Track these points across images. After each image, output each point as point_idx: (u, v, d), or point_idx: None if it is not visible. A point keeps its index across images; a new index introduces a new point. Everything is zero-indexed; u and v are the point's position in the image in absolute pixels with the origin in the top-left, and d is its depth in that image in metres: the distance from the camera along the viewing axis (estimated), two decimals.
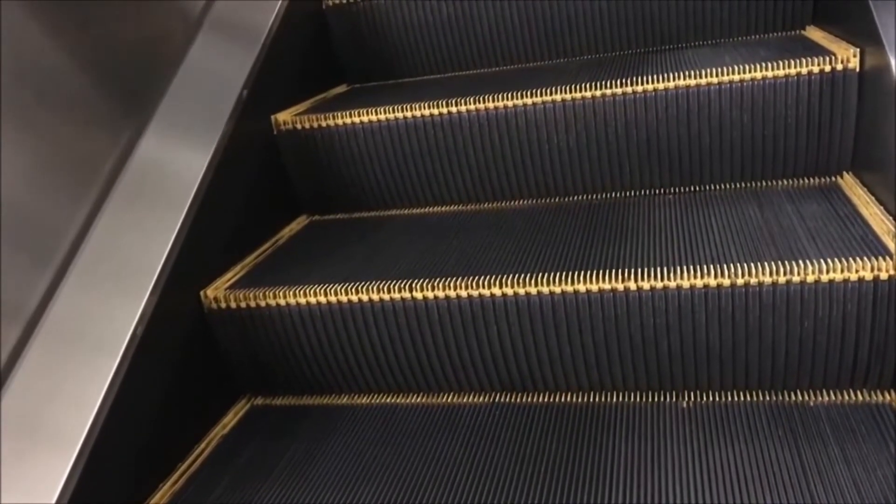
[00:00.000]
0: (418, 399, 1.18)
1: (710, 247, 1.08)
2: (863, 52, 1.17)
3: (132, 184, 1.13)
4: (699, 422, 1.02)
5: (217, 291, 1.18)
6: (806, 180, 1.28)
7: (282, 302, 1.15)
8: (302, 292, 1.13)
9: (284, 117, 1.46)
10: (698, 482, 0.90)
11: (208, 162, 1.22)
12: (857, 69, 1.18)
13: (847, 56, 1.18)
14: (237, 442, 1.15)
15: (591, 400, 1.11)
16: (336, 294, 1.12)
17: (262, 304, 1.16)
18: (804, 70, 1.20)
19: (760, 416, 1.01)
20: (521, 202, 1.42)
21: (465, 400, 1.16)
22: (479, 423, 1.09)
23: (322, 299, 1.13)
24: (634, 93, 1.28)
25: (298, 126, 1.45)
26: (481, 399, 1.15)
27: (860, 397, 1.01)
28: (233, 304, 1.17)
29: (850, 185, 1.21)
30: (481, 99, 1.34)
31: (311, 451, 1.09)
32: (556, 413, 1.09)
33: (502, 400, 1.14)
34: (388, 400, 1.19)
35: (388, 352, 1.14)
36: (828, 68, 1.19)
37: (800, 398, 1.03)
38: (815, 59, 1.20)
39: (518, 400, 1.14)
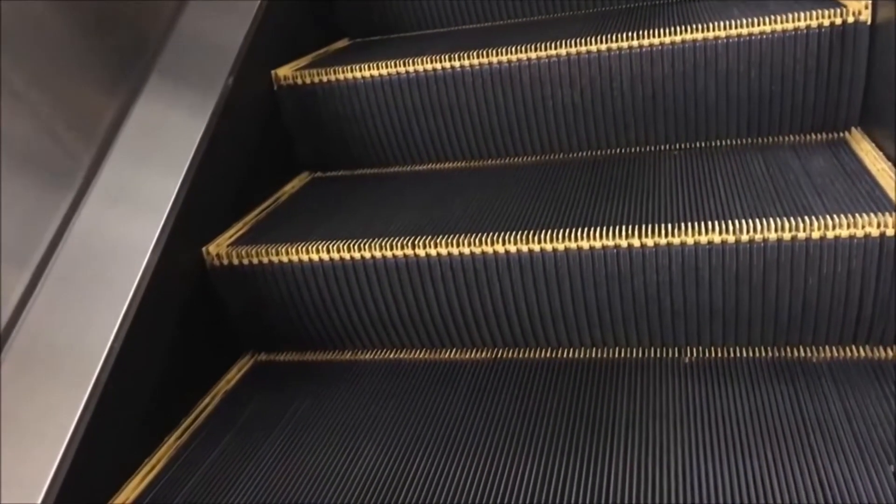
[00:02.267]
0: (421, 355, 1.19)
1: (715, 203, 1.07)
2: (874, 3, 1.14)
3: (132, 139, 1.12)
4: (701, 377, 1.03)
5: (219, 248, 1.18)
6: (813, 136, 1.26)
7: (284, 259, 1.14)
8: (304, 249, 1.13)
9: (285, 72, 1.44)
10: (700, 435, 0.90)
11: (209, 118, 1.21)
12: (869, 21, 1.16)
13: (858, 8, 1.16)
14: (241, 397, 1.16)
15: (594, 356, 1.11)
16: (339, 251, 1.11)
17: (265, 260, 1.15)
18: (814, 23, 1.18)
19: (762, 370, 1.02)
20: (524, 159, 1.41)
21: (467, 356, 1.16)
22: (481, 378, 1.10)
23: (325, 256, 1.12)
24: (640, 47, 1.26)
25: (299, 81, 1.43)
26: (484, 355, 1.16)
27: (862, 353, 1.01)
28: (235, 261, 1.17)
29: (858, 140, 1.20)
30: (485, 53, 1.32)
31: (315, 406, 1.09)
32: (558, 369, 1.09)
33: (505, 356, 1.14)
34: (390, 356, 1.20)
35: (391, 308, 1.14)
36: (838, 21, 1.17)
37: (802, 354, 1.03)
38: (826, 12, 1.17)
39: (520, 356, 1.14)
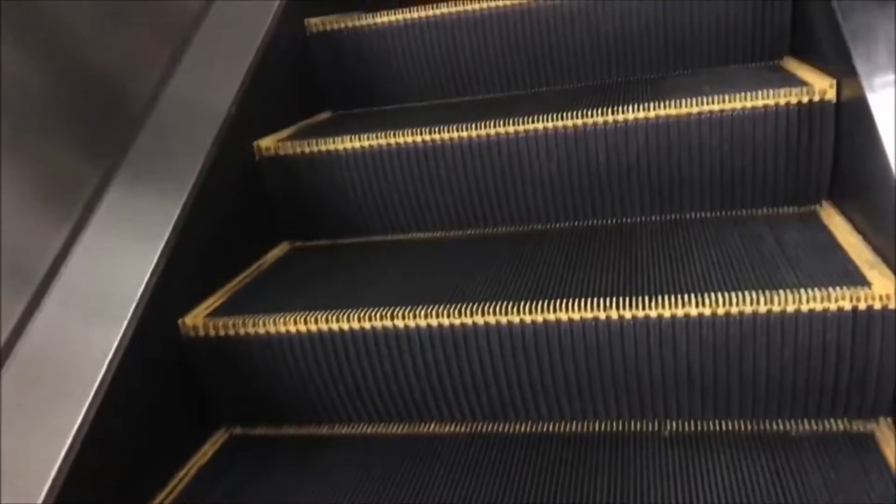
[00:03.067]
0: (399, 429, 1.17)
1: (692, 275, 1.08)
2: (839, 84, 1.19)
3: (112, 211, 1.12)
4: (681, 450, 1.02)
5: (196, 319, 1.17)
6: (785, 209, 1.29)
7: (261, 330, 1.14)
8: (282, 320, 1.12)
9: (267, 143, 1.46)
10: None
11: (190, 187, 1.21)
12: (834, 100, 1.20)
13: (824, 87, 1.20)
14: (215, 472, 1.13)
15: (573, 429, 1.10)
16: (317, 322, 1.11)
17: (242, 332, 1.14)
18: (782, 101, 1.22)
19: (743, 444, 1.01)
20: (503, 229, 1.42)
21: (446, 429, 1.15)
22: (460, 454, 1.08)
23: (303, 327, 1.12)
24: (616, 122, 1.29)
25: (281, 152, 1.45)
26: (463, 429, 1.14)
27: (841, 426, 1.01)
28: (211, 332, 1.16)
29: (828, 213, 1.23)
30: (464, 127, 1.35)
31: (291, 483, 1.07)
32: (537, 444, 1.08)
33: (484, 430, 1.13)
34: (368, 430, 1.18)
35: (370, 381, 1.13)
36: (805, 99, 1.21)
37: (782, 427, 1.03)
38: (793, 90, 1.22)
39: (500, 430, 1.13)
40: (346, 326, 1.10)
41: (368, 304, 1.12)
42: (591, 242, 1.28)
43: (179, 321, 1.17)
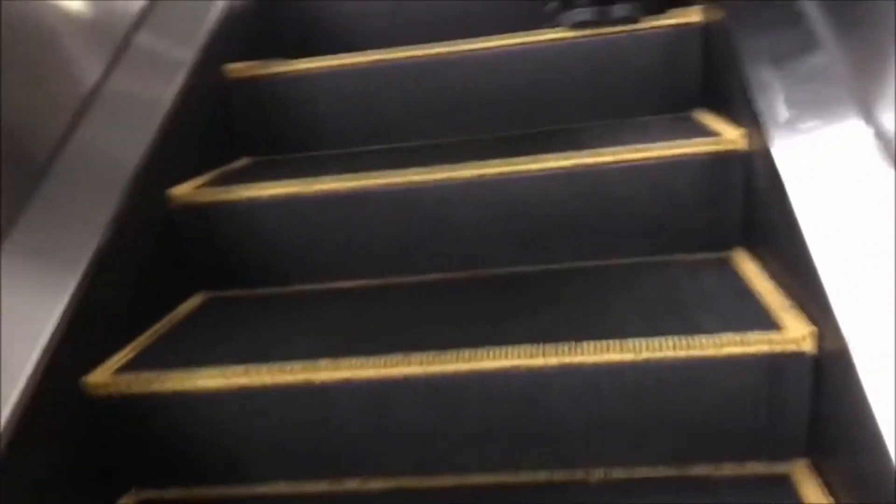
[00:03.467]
0: (322, 487, 1.12)
1: (613, 321, 1.09)
2: (747, 135, 1.24)
3: (13, 264, 1.06)
4: (608, 498, 1.01)
5: (102, 377, 1.11)
6: (701, 255, 1.32)
7: (174, 387, 1.08)
8: (196, 376, 1.07)
9: (182, 191, 1.41)
10: None
11: (98, 239, 1.16)
12: (743, 150, 1.25)
13: (733, 138, 1.25)
14: None
15: (500, 480, 1.08)
16: (234, 377, 1.06)
17: (152, 389, 1.09)
18: (695, 150, 1.26)
19: (667, 489, 1.01)
20: (427, 277, 1.41)
21: (370, 486, 1.11)
22: None
23: (219, 382, 1.07)
24: (538, 171, 1.31)
25: (197, 200, 1.40)
26: (388, 484, 1.11)
27: (761, 469, 1.03)
28: (119, 390, 1.09)
29: (741, 259, 1.26)
30: (387, 175, 1.34)
31: None
32: (463, 497, 1.05)
33: (410, 485, 1.10)
34: (288, 489, 1.13)
35: (290, 438, 1.08)
36: (716, 149, 1.26)
37: (704, 471, 1.04)
38: (705, 140, 1.26)
39: (425, 484, 1.10)
40: (264, 381, 1.06)
41: (288, 357, 1.08)
42: (515, 289, 1.28)
43: (83, 379, 1.10)
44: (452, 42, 1.63)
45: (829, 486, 0.95)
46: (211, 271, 1.47)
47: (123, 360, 1.16)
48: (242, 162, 1.73)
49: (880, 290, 0.82)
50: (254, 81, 1.70)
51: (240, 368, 1.06)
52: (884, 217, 0.85)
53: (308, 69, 1.67)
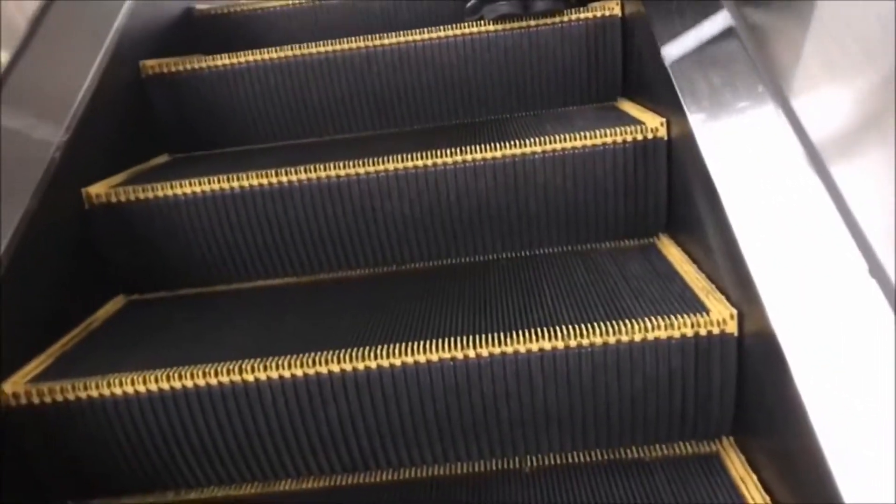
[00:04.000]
0: (253, 489, 1.10)
1: (543, 311, 1.09)
2: (669, 122, 1.26)
3: None
4: (542, 486, 1.02)
5: (16, 386, 1.05)
6: (627, 242, 1.35)
7: (93, 393, 1.03)
8: (116, 381, 1.03)
9: (98, 190, 1.35)
10: None
11: (6, 246, 1.09)
12: (665, 137, 1.27)
13: (655, 125, 1.27)
14: None
15: (435, 473, 1.08)
16: (156, 381, 1.02)
17: (70, 397, 1.04)
18: (619, 139, 1.28)
19: (600, 474, 1.03)
20: (356, 272, 1.39)
21: (304, 486, 1.09)
22: None
23: (140, 388, 1.03)
24: (464, 162, 1.30)
25: (113, 199, 1.35)
26: (321, 484, 1.09)
27: (690, 449, 1.05)
28: (35, 400, 1.04)
29: (666, 245, 1.29)
30: (312, 168, 1.31)
31: None
32: (399, 492, 1.04)
33: (343, 483, 1.08)
34: (219, 494, 1.10)
35: (218, 441, 1.05)
36: (639, 137, 1.28)
37: (636, 455, 1.06)
38: (627, 129, 1.28)
39: (360, 481, 1.08)
40: (188, 384, 1.02)
41: (213, 358, 1.05)
42: (445, 282, 1.28)
43: None
44: (377, 35, 1.61)
45: (754, 463, 0.98)
46: (130, 273, 1.41)
47: (38, 370, 1.10)
48: (162, 159, 1.67)
49: (803, 271, 0.84)
50: (171, 77, 1.64)
51: (162, 372, 1.02)
52: (805, 199, 0.88)
53: (228, 64, 1.63)
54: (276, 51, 1.62)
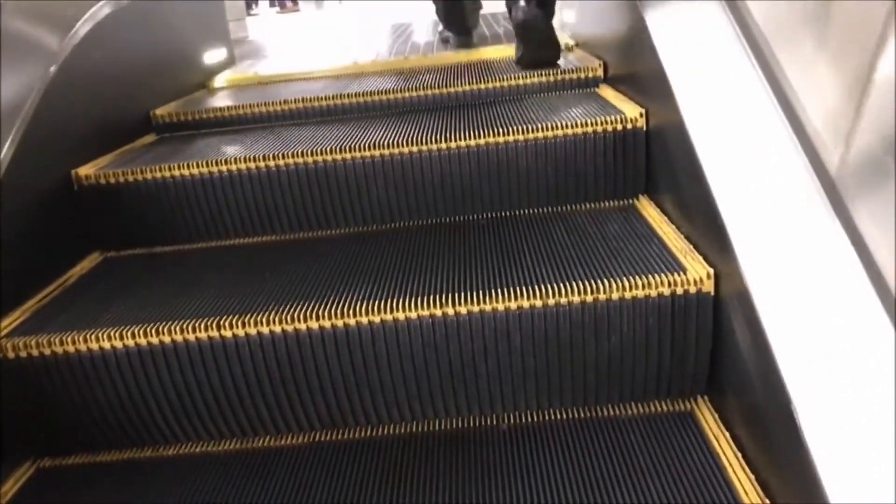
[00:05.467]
0: (231, 446, 1.10)
1: (523, 270, 1.09)
2: (647, 112, 1.29)
3: None
4: (519, 442, 1.03)
5: None
6: (607, 203, 1.35)
7: (70, 349, 1.03)
8: (93, 336, 1.02)
9: (86, 172, 1.33)
10: (521, 500, 0.90)
11: None
12: (644, 127, 1.30)
13: (634, 115, 1.30)
14: None
15: (413, 430, 1.09)
16: (133, 336, 1.02)
17: (46, 351, 1.03)
18: (599, 128, 1.31)
19: (576, 431, 1.04)
20: (337, 231, 1.39)
21: (282, 442, 1.09)
22: (297, 467, 1.03)
23: (117, 343, 1.02)
24: (448, 149, 1.32)
25: (102, 181, 1.34)
26: (300, 440, 1.09)
27: (666, 407, 1.07)
28: (10, 355, 1.03)
29: (645, 206, 1.30)
30: (301, 153, 1.31)
31: None
32: (377, 449, 1.05)
33: (322, 439, 1.09)
34: (197, 450, 1.10)
35: (196, 397, 1.05)
36: (619, 126, 1.31)
37: (612, 412, 1.07)
38: (608, 118, 1.31)
39: (338, 437, 1.09)
40: (167, 339, 1.02)
41: (191, 314, 1.04)
42: (424, 240, 1.28)
43: None
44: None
45: (727, 422, 0.99)
46: (107, 230, 1.40)
47: (14, 324, 1.09)
48: (149, 138, 1.65)
49: (780, 231, 0.85)
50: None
51: (140, 328, 1.02)
52: (781, 164, 0.88)
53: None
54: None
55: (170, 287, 1.20)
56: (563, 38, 1.97)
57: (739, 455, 0.93)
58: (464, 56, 2.15)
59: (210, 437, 1.10)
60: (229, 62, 2.44)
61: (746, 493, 0.87)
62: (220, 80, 2.19)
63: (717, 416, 1.02)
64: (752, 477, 0.89)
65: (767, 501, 0.84)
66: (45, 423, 1.09)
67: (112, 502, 1.01)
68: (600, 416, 1.07)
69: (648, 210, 1.28)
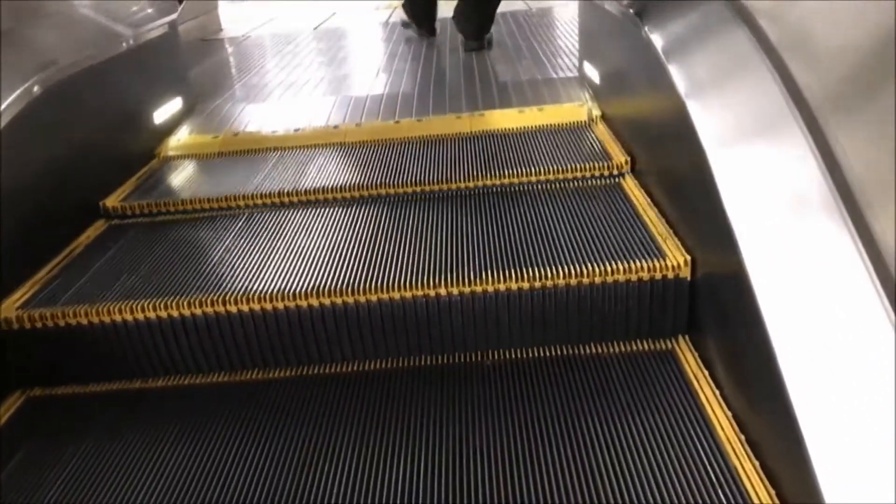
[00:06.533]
0: (220, 378, 1.14)
1: (511, 248, 1.16)
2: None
3: None
4: (503, 377, 1.07)
5: (7, 311, 1.11)
6: (593, 181, 1.40)
7: (83, 321, 1.09)
8: (105, 310, 1.09)
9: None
10: (502, 429, 0.96)
11: None
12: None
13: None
14: (14, 438, 1.05)
15: (400, 365, 1.13)
16: (143, 311, 1.09)
17: (61, 322, 1.10)
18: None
19: (559, 367, 1.08)
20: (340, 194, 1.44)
21: (271, 375, 1.14)
22: (284, 397, 1.08)
23: (128, 316, 1.10)
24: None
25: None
26: (289, 373, 1.14)
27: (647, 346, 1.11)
28: (27, 325, 1.11)
29: (629, 185, 1.35)
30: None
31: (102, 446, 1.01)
32: (365, 380, 1.10)
33: (311, 372, 1.13)
34: (185, 381, 1.14)
35: (198, 355, 1.12)
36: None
37: (594, 350, 1.11)
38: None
39: (326, 371, 1.13)
40: (174, 314, 1.10)
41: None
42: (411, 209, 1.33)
43: None
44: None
45: (706, 362, 1.03)
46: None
47: (28, 295, 1.16)
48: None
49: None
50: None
51: (149, 302, 1.09)
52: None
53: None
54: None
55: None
56: (585, 105, 1.80)
57: (717, 392, 0.97)
58: (466, 122, 1.80)
59: (199, 370, 1.14)
60: (188, 109, 2.11)
61: None
62: (175, 142, 1.86)
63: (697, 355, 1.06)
64: None
65: None
66: (43, 365, 1.15)
67: (101, 426, 1.05)
68: (582, 354, 1.10)
69: (633, 190, 1.33)
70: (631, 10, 1.37)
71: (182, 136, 1.90)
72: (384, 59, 2.73)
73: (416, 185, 1.44)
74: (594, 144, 1.56)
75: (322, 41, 3.20)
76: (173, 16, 2.02)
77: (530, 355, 1.12)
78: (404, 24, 3.02)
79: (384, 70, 2.51)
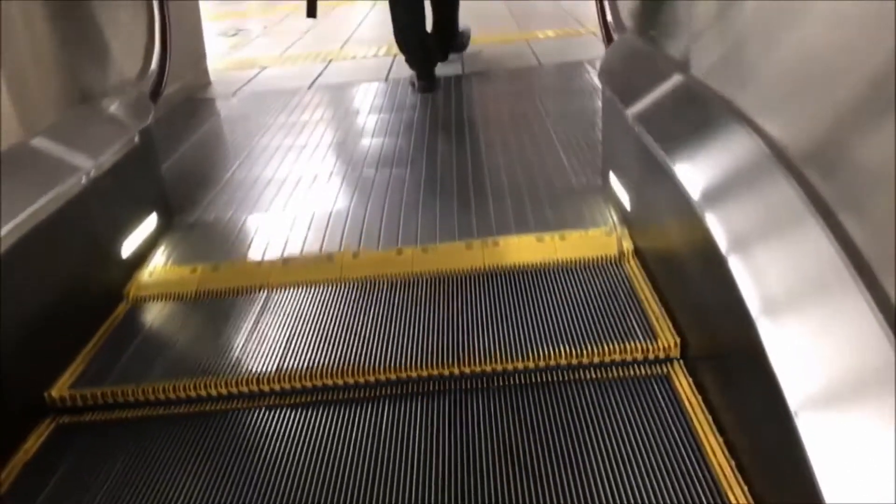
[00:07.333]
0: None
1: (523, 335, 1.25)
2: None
3: None
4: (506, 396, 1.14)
5: (61, 391, 1.22)
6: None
7: (129, 398, 1.21)
8: (150, 389, 1.21)
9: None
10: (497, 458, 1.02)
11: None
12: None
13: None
14: (49, 464, 1.12)
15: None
16: (185, 390, 1.21)
17: (110, 400, 1.21)
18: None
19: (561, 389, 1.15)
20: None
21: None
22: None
23: (171, 395, 1.21)
24: None
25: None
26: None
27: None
28: (80, 403, 1.21)
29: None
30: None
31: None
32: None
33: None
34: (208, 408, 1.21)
35: None
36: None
37: (595, 375, 1.18)
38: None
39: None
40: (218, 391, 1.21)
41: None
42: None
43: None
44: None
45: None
46: None
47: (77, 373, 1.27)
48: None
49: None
50: None
51: (190, 381, 1.21)
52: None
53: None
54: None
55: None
56: (614, 234, 1.55)
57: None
58: (478, 254, 1.54)
59: None
60: (164, 225, 1.80)
61: None
62: (147, 278, 1.59)
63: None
64: None
65: None
66: None
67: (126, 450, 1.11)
68: (583, 379, 1.17)
69: (633, 269, 1.43)
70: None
71: (156, 269, 1.63)
72: (384, 140, 2.37)
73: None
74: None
75: (319, 108, 2.83)
76: (146, 122, 1.73)
77: (534, 380, 1.18)
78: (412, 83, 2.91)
79: (383, 165, 2.15)
